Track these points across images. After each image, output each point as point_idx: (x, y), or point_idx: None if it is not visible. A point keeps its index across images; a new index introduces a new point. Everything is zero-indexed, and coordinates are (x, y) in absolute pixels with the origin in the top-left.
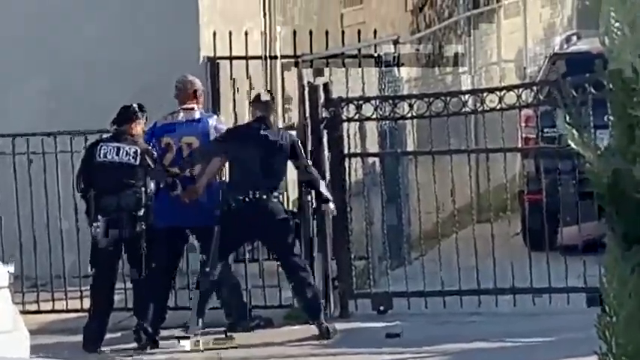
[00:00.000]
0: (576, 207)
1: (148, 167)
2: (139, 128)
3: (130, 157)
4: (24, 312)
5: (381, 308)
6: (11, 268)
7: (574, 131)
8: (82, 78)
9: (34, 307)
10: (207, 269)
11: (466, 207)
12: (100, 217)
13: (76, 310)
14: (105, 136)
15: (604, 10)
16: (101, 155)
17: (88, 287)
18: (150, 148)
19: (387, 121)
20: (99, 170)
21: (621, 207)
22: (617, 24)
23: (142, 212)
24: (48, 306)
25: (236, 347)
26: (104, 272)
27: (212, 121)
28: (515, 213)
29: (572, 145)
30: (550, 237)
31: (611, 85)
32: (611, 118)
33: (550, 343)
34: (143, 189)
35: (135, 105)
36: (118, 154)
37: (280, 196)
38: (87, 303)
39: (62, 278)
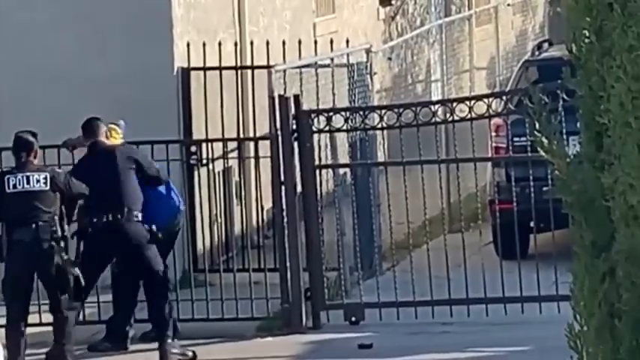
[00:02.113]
0: (547, 215)
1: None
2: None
3: (41, 184)
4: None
5: (353, 319)
6: None
7: (544, 139)
8: (56, 91)
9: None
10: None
11: (437, 217)
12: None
13: (50, 324)
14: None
15: (571, 18)
16: (11, 186)
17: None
18: (60, 171)
19: (358, 132)
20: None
21: (590, 215)
22: (584, 31)
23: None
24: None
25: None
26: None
27: None
28: (486, 222)
29: (542, 153)
30: (521, 246)
31: (579, 93)
32: (580, 125)
33: (523, 353)
34: (57, 217)
35: (26, 135)
36: (28, 182)
37: (140, 215)
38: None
39: (36, 292)
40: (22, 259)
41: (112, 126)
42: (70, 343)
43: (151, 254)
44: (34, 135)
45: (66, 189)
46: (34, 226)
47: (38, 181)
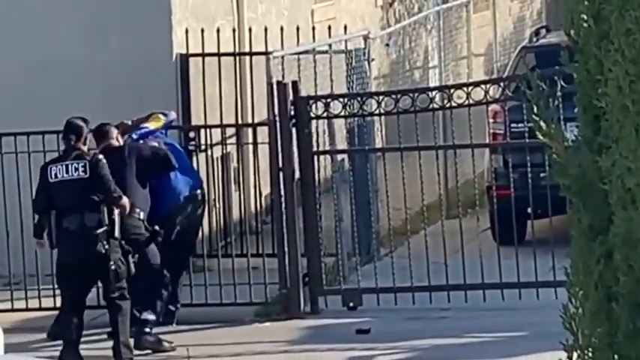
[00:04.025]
0: (545, 201)
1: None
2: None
3: (80, 172)
4: None
5: (351, 304)
6: None
7: (542, 123)
8: (56, 77)
9: (7, 305)
10: None
11: (435, 203)
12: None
13: (50, 309)
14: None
15: (569, 2)
16: (52, 176)
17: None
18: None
19: (356, 118)
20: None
21: (588, 198)
22: (582, 15)
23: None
24: (21, 304)
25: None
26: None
27: None
28: (483, 208)
29: (540, 138)
30: (519, 232)
31: (577, 77)
32: (578, 109)
33: (520, 338)
34: (102, 205)
35: (77, 120)
36: (67, 172)
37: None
38: (56, 301)
39: (35, 277)
40: (70, 247)
41: (157, 114)
42: (125, 334)
43: (147, 252)
44: (85, 121)
45: (102, 180)
46: (80, 214)
47: (77, 169)
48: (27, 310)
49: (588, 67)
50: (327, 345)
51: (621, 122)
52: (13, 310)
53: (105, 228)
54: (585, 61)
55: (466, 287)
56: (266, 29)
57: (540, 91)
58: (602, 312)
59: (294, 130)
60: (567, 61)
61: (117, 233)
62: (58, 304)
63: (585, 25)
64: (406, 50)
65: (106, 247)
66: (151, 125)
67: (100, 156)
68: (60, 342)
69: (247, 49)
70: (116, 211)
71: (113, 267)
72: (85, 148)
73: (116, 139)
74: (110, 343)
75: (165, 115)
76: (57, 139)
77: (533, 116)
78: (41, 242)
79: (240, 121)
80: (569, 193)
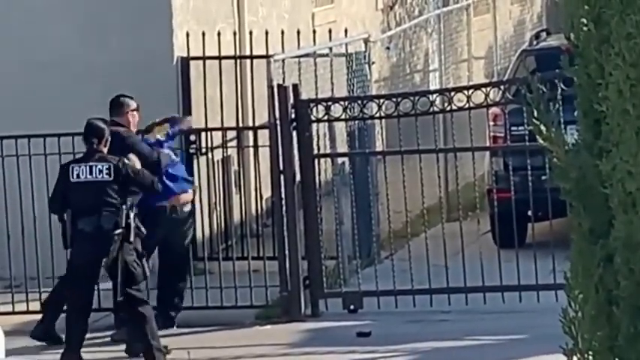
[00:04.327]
0: (545, 204)
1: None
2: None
3: (104, 174)
4: None
5: (352, 307)
6: None
7: (542, 127)
8: (56, 78)
9: (8, 308)
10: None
11: (435, 206)
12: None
13: (36, 312)
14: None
15: (569, 6)
16: (74, 176)
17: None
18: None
19: (356, 121)
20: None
21: (588, 202)
22: (582, 19)
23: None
24: (22, 307)
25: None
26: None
27: None
28: (484, 211)
29: (540, 141)
30: (519, 234)
31: (577, 81)
32: (578, 113)
33: (520, 341)
34: (124, 207)
35: (98, 121)
36: (91, 173)
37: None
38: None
39: (36, 279)
40: (85, 248)
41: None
42: (156, 339)
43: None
44: (106, 122)
45: (130, 179)
46: (97, 216)
47: (101, 171)
48: (28, 312)
49: (589, 71)
50: (327, 348)
51: (622, 126)
52: (14, 312)
53: (121, 231)
54: (586, 64)
55: (466, 290)
56: (267, 32)
57: (541, 95)
58: (602, 315)
59: (294, 133)
60: (567, 64)
61: (132, 237)
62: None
63: (586, 28)
64: (407, 53)
65: (129, 248)
66: (160, 136)
67: (125, 159)
68: (54, 344)
69: (248, 53)
70: (132, 215)
71: (126, 268)
72: (105, 150)
73: (127, 119)
74: (112, 347)
75: (174, 123)
76: (58, 142)
77: (534, 119)
78: None
79: (241, 124)
80: (569, 197)
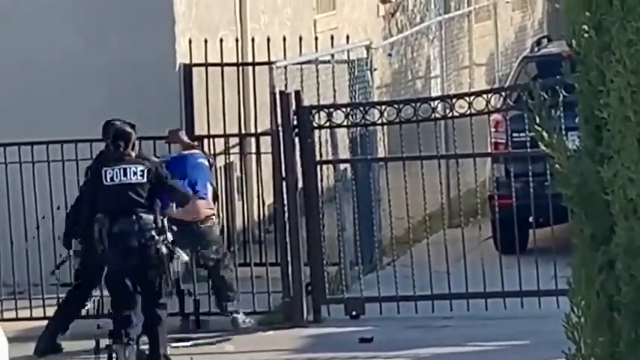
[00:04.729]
0: (546, 210)
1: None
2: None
3: (138, 176)
4: (2, 319)
5: (354, 313)
6: None
7: (544, 133)
8: (59, 85)
9: (12, 314)
10: None
11: (437, 212)
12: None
13: (40, 318)
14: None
15: (570, 13)
16: (108, 178)
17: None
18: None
19: (358, 128)
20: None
21: (590, 208)
22: (583, 26)
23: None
24: (26, 313)
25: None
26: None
27: None
28: (485, 217)
29: (542, 147)
30: (520, 240)
31: (578, 87)
32: (579, 119)
33: (522, 347)
34: (156, 207)
35: (125, 125)
36: (125, 175)
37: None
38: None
39: (40, 286)
40: (122, 251)
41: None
42: (164, 345)
43: None
44: (133, 126)
45: (164, 183)
46: (134, 217)
47: (135, 173)
48: (31, 319)
49: (590, 78)
50: (330, 354)
51: (623, 133)
52: (17, 319)
53: (157, 229)
54: (587, 71)
55: (468, 296)
56: (269, 39)
57: (542, 101)
58: (604, 321)
59: (296, 140)
60: (569, 71)
61: (168, 235)
62: None
63: (587, 35)
64: (408, 60)
65: (163, 249)
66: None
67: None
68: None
69: (250, 59)
70: (165, 220)
71: (166, 271)
72: (133, 154)
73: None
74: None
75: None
76: (61, 149)
77: (535, 126)
78: (77, 252)
79: (243, 131)
80: (571, 203)
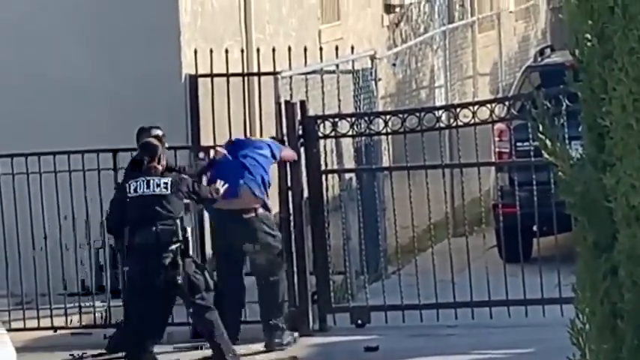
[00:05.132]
0: (550, 219)
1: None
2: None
3: (162, 188)
4: (10, 329)
5: (360, 322)
6: None
7: (547, 141)
8: (64, 98)
9: (20, 324)
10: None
11: (442, 221)
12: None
13: (62, 328)
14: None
15: (573, 22)
16: (132, 190)
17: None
18: (185, 177)
19: (363, 138)
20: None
21: (593, 216)
22: (586, 35)
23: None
24: (33, 323)
25: None
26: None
27: None
28: (490, 226)
29: (545, 155)
30: (524, 249)
31: (581, 95)
32: (582, 127)
33: (526, 355)
34: (179, 221)
35: (152, 139)
36: (148, 187)
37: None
38: (68, 320)
39: (47, 296)
40: (143, 262)
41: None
42: (226, 345)
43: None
44: (160, 140)
45: (189, 194)
46: (154, 229)
47: (158, 185)
48: (39, 329)
49: (592, 86)
50: None
51: (625, 140)
52: (25, 329)
53: (178, 245)
54: (589, 80)
55: (473, 304)
56: (274, 50)
57: (545, 110)
58: (607, 328)
59: (302, 150)
60: (572, 80)
61: (191, 251)
62: (70, 324)
63: (589, 44)
64: (412, 70)
65: (179, 262)
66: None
67: (185, 176)
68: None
69: (255, 70)
70: (189, 229)
71: (181, 280)
72: (160, 167)
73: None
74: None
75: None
76: (68, 159)
77: (539, 135)
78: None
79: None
80: (574, 211)
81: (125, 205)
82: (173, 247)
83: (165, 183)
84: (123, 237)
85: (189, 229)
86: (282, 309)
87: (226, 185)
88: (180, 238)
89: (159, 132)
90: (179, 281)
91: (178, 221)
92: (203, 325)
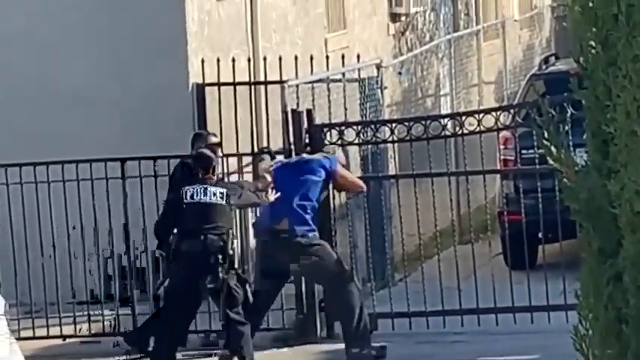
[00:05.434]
0: (555, 226)
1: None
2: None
3: (218, 197)
4: (19, 338)
5: None
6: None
7: (552, 148)
8: (72, 107)
9: (29, 333)
10: None
11: (447, 228)
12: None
13: (71, 336)
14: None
15: (577, 29)
16: (188, 197)
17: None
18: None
19: (369, 146)
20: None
21: (597, 222)
22: (590, 42)
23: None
24: (43, 332)
25: None
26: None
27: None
28: (495, 234)
29: (551, 162)
30: (530, 256)
31: (585, 103)
32: (587, 134)
33: None
34: (228, 232)
35: (207, 151)
36: (205, 195)
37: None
38: (77, 328)
39: (56, 304)
40: (187, 270)
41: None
42: (250, 357)
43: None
44: (214, 150)
45: (233, 204)
46: (202, 237)
47: (215, 194)
48: (48, 337)
49: (597, 93)
50: None
51: (629, 147)
52: (34, 337)
53: (225, 255)
54: (594, 87)
55: (479, 311)
56: (280, 58)
57: (550, 118)
58: (612, 333)
59: None
60: (576, 87)
61: (236, 263)
62: (79, 332)
63: (593, 51)
64: (418, 78)
65: (223, 273)
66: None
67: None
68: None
69: (262, 79)
70: (236, 242)
71: (229, 291)
72: (214, 178)
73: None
74: None
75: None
76: (76, 168)
77: (544, 142)
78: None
79: (256, 150)
80: (579, 217)
81: (180, 211)
82: (220, 256)
83: (222, 193)
84: (169, 242)
85: (236, 242)
86: (365, 334)
87: (278, 194)
88: (228, 249)
89: (215, 139)
90: (219, 289)
91: (228, 232)
92: (234, 339)
